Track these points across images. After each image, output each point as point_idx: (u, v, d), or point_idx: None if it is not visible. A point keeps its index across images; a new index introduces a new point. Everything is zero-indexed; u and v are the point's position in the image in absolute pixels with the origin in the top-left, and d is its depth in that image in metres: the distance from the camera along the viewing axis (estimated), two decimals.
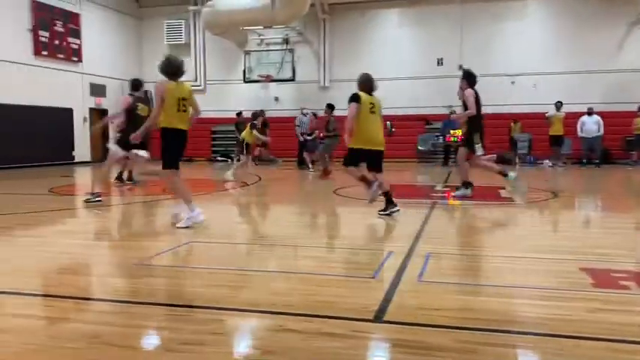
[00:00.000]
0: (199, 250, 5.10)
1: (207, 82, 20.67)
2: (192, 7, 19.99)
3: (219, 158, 19.77)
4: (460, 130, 16.66)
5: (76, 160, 17.59)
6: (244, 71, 19.90)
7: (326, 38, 19.60)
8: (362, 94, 6.59)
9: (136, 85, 8.57)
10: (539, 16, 18.21)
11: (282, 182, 12.34)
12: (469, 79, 8.27)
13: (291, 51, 19.66)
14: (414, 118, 18.67)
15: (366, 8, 19.13)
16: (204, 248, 5.18)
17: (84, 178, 10.43)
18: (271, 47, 19.92)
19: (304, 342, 2.63)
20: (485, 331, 2.76)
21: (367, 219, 7.08)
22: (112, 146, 8.20)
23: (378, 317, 2.95)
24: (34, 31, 16.06)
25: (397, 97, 18.56)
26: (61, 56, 17.05)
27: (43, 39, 16.34)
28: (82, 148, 18.05)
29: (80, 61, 17.91)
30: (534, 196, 9.12)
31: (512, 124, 17.65)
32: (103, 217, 7.22)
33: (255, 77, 19.70)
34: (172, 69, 5.73)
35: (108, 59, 19.34)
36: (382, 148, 6.67)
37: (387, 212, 6.58)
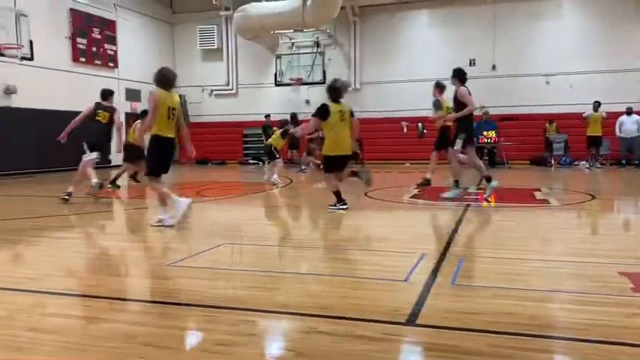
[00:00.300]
0: (232, 252, 5.15)
1: (240, 86, 20.89)
2: (224, 13, 20.22)
3: (250, 161, 19.95)
4: (494, 132, 16.46)
5: (113, 163, 17.98)
6: (275, 75, 20.05)
7: (356, 40, 19.56)
8: (331, 104, 7.11)
9: (104, 94, 8.97)
10: (574, 14, 17.78)
11: (313, 184, 12.36)
12: (460, 76, 8.18)
13: (322, 54, 19.70)
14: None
15: (397, 10, 19.03)
16: (236, 250, 5.24)
17: (120, 181, 10.70)
18: (302, 50, 19.99)
19: (336, 344, 2.63)
20: (522, 335, 2.70)
21: (399, 221, 7.04)
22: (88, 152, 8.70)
23: (411, 320, 2.93)
24: (73, 38, 16.51)
25: (428, 98, 18.36)
26: (98, 62, 17.49)
27: (81, 46, 16.79)
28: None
29: (116, 66, 18.33)
30: (572, 198, 8.92)
31: (547, 124, 17.28)
32: (137, 219, 7.37)
33: (286, 80, 19.82)
34: (165, 80, 6.10)
35: (143, 64, 19.69)
36: (349, 153, 7.38)
37: (336, 207, 7.27)
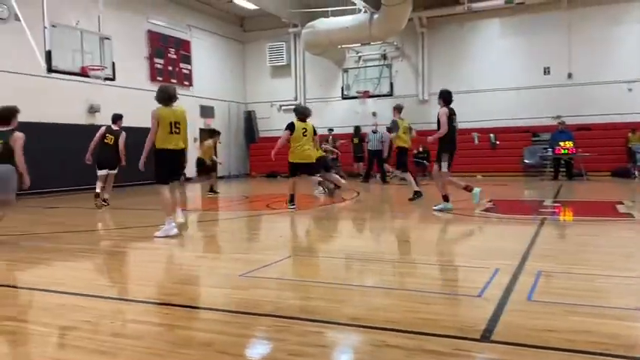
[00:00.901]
0: (301, 263, 5.21)
1: (307, 100, 21.21)
2: (292, 30, 20.67)
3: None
4: (571, 143, 15.76)
5: (188, 176, 18.65)
6: (342, 88, 20.19)
7: (424, 52, 19.39)
8: (296, 122, 8.97)
9: (113, 118, 10.41)
10: None
11: (380, 197, 12.30)
12: (444, 97, 8.40)
13: (389, 66, 19.63)
14: (519, 130, 17.89)
15: (466, 20, 18.70)
16: (306, 262, 5.29)
17: (193, 192, 11.13)
18: (369, 63, 20.05)
19: (406, 358, 2.60)
20: (602, 355, 2.56)
21: (472, 235, 6.87)
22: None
23: (486, 337, 2.84)
24: (150, 58, 17.43)
25: (500, 108, 17.93)
26: (174, 81, 18.27)
27: (158, 66, 17.67)
28: (193, 166, 19.12)
29: (191, 85, 19.10)
30: None
31: (629, 134, 16.35)
32: (210, 231, 7.60)
33: (353, 94, 19.90)
34: (164, 96, 6.49)
35: (215, 82, 20.47)
36: (312, 161, 9.21)
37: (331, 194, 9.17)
